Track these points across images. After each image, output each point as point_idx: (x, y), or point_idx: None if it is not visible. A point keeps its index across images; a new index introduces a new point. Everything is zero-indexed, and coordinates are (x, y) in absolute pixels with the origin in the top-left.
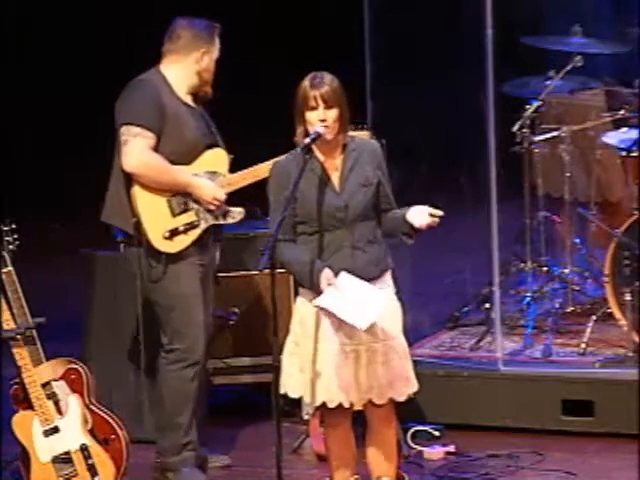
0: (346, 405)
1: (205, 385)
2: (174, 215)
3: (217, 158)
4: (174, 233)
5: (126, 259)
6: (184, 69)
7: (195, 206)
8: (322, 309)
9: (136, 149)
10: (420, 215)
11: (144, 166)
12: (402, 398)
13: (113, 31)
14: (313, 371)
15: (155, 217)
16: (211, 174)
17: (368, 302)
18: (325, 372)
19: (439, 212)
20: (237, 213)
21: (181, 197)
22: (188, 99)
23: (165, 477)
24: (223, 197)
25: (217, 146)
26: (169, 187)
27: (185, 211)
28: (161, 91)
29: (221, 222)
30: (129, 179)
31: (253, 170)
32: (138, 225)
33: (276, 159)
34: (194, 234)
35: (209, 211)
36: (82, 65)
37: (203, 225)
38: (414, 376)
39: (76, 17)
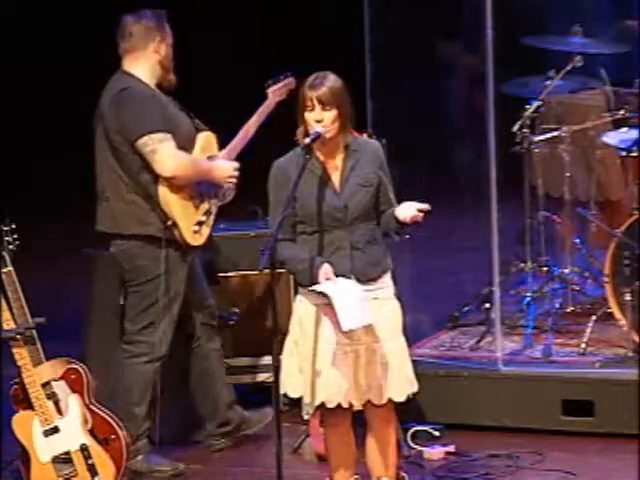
0: (345, 405)
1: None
2: (196, 208)
3: (208, 141)
4: (200, 224)
5: (127, 256)
6: (146, 63)
7: (205, 194)
8: (319, 294)
9: (170, 154)
10: (406, 209)
11: (182, 167)
12: (401, 398)
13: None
14: (312, 371)
15: (185, 215)
16: (210, 158)
17: (359, 309)
18: (324, 372)
19: (425, 206)
20: (231, 190)
21: (197, 189)
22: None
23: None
24: (237, 167)
25: (200, 130)
26: (200, 178)
27: (202, 202)
28: (151, 93)
29: (224, 202)
30: (147, 185)
31: (244, 131)
32: (173, 226)
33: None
34: (211, 221)
35: (215, 196)
36: (82, 65)
37: (214, 210)
38: (414, 376)
39: (76, 17)
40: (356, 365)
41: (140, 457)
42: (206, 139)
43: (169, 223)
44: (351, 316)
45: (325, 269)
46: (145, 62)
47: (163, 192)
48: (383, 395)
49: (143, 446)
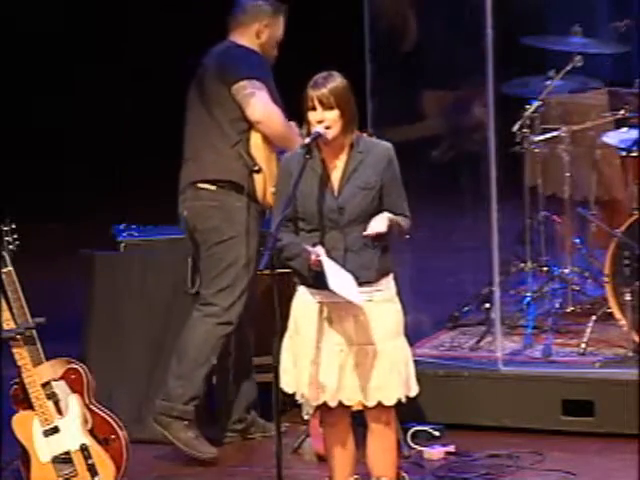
0: (332, 404)
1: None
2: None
3: None
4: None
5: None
6: (250, 40)
7: None
8: (324, 262)
9: (264, 100)
10: (373, 222)
11: (272, 115)
12: (391, 402)
13: (113, 33)
14: (303, 367)
15: (270, 171)
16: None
17: (349, 285)
18: (313, 370)
19: (381, 229)
20: None
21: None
22: None
23: (165, 422)
24: None
25: None
26: (283, 141)
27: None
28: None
29: None
30: (238, 134)
31: None
32: (258, 172)
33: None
34: None
35: None
36: (82, 65)
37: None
38: (414, 380)
39: (77, 17)
40: (345, 366)
41: (187, 427)
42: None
43: (256, 168)
44: (339, 282)
45: (319, 248)
46: (249, 39)
47: (255, 139)
48: (372, 397)
49: (189, 412)
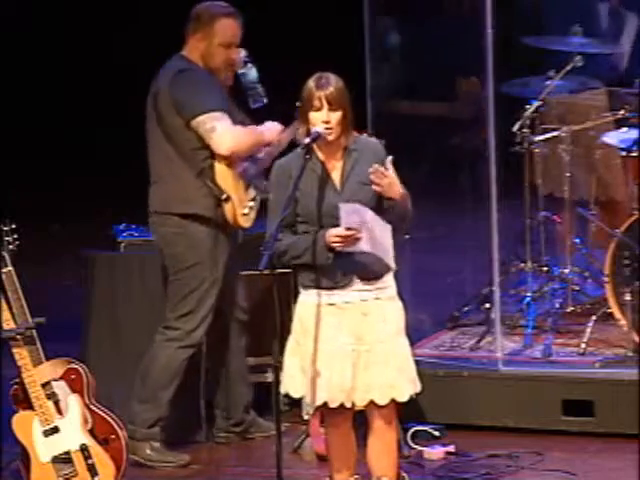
0: (347, 405)
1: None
2: (246, 192)
3: None
4: (250, 209)
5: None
6: (199, 52)
7: (250, 180)
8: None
9: (227, 130)
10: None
11: (238, 140)
12: (404, 399)
13: (114, 34)
14: (314, 371)
15: (239, 194)
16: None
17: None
18: (326, 372)
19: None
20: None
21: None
22: None
23: (130, 445)
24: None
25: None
26: (257, 146)
27: (248, 188)
28: (209, 77)
29: (263, 196)
30: (199, 163)
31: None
32: (226, 201)
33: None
34: (256, 208)
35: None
36: (83, 65)
37: (258, 199)
38: (417, 376)
39: (78, 18)
40: (358, 365)
41: (150, 444)
42: None
43: (224, 197)
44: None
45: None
46: (196, 53)
47: (220, 167)
48: (386, 395)
49: (156, 434)
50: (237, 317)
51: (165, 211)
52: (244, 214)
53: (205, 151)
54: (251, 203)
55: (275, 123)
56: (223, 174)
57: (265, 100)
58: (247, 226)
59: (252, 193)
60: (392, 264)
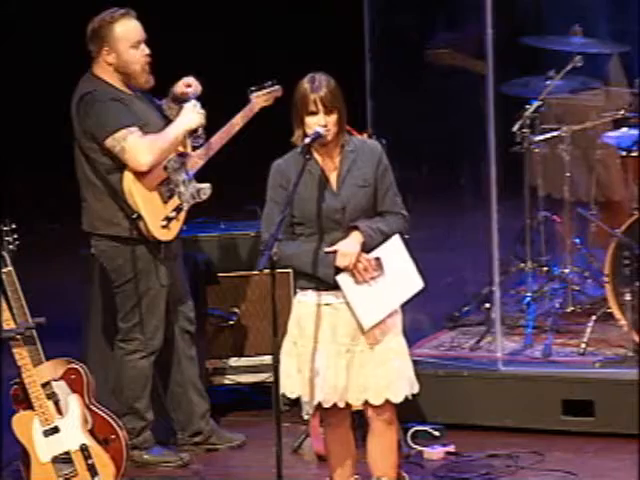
0: (341, 405)
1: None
2: (165, 202)
3: None
4: (169, 220)
5: (107, 257)
6: (106, 66)
7: (177, 190)
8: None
9: (135, 147)
10: (343, 243)
11: (154, 151)
12: (399, 400)
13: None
14: (310, 371)
15: (151, 207)
16: (180, 156)
17: (401, 282)
18: (321, 372)
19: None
20: (207, 189)
21: (166, 184)
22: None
23: (137, 455)
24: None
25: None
26: (177, 147)
27: (171, 197)
28: (111, 96)
29: (198, 201)
30: (115, 184)
31: (224, 132)
32: (138, 219)
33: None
34: (182, 217)
35: (185, 194)
36: (83, 65)
37: (186, 206)
38: (415, 377)
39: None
40: (352, 365)
41: (145, 449)
42: None
43: (134, 216)
44: (369, 309)
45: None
46: (102, 67)
47: (127, 185)
48: (380, 395)
49: (147, 439)
50: (183, 327)
51: (94, 232)
52: (162, 226)
53: (119, 172)
54: (172, 214)
55: (188, 104)
56: (130, 193)
57: (201, 141)
58: (167, 239)
59: (176, 202)
60: (418, 283)
